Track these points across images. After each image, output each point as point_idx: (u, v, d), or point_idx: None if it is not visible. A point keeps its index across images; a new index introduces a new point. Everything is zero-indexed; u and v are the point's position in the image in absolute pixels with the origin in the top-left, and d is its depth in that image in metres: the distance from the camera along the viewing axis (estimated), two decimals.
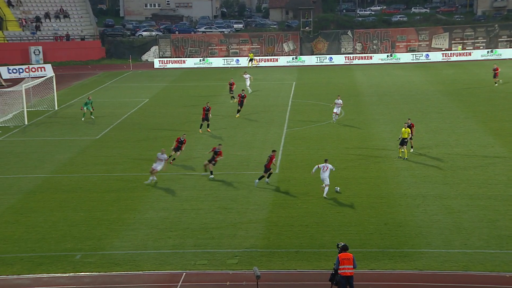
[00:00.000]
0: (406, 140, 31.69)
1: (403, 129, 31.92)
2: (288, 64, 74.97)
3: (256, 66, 72.82)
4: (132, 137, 38.52)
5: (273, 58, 75.95)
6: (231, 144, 35.74)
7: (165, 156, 28.96)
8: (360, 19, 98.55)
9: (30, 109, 46.15)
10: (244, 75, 54.22)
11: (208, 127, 38.97)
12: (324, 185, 26.32)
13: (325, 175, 26.27)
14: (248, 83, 53.44)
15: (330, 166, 26.52)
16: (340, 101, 40.19)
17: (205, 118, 38.46)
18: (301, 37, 77.99)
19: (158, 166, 28.64)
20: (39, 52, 75.15)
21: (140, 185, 28.66)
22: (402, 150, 31.87)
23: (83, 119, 43.53)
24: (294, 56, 76.12)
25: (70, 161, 33.13)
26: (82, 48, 79.00)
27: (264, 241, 22.13)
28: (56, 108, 48.50)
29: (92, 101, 44.59)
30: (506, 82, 54.90)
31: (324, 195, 26.19)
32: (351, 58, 75.38)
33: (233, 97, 48.99)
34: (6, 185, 28.92)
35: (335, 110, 40.08)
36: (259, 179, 28.05)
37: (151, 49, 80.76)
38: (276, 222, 23.79)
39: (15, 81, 54.94)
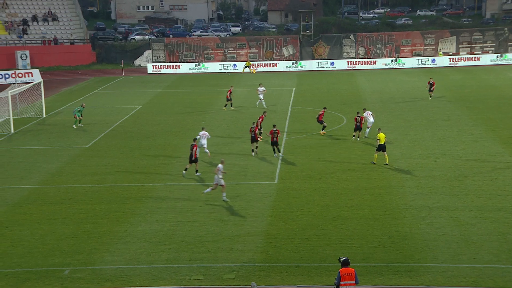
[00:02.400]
0: (383, 145, 32.42)
1: (379, 134, 32.61)
2: (287, 69, 75.17)
3: (256, 73, 72.81)
4: (124, 146, 38.53)
5: (272, 63, 76.17)
6: (227, 153, 35.77)
7: (221, 166, 27.54)
8: (363, 22, 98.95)
9: (16, 117, 46.13)
10: (259, 88, 49.33)
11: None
12: None
13: None
14: (262, 97, 49.04)
15: (221, 166, 27.40)
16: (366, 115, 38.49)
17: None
18: (301, 41, 78.25)
19: (220, 181, 27.34)
20: (26, 56, 75.30)
21: (132, 196, 28.63)
22: (380, 156, 32.75)
23: (74, 126, 43.49)
24: (294, 61, 76.34)
25: (58, 171, 33.12)
26: (71, 52, 79.18)
27: (263, 255, 22.12)
28: (44, 115, 48.53)
29: (83, 109, 44.58)
30: None
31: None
32: (354, 63, 75.60)
33: (231, 104, 49.00)
34: None
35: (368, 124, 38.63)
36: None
37: (144, 53, 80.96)
38: (275, 235, 23.78)
39: (1, 87, 54.97)
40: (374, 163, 32.66)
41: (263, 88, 49.68)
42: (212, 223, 25.09)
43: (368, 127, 38.81)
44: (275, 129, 34.28)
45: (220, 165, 27.67)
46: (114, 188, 29.83)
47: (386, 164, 32.26)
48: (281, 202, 27.43)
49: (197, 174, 31.67)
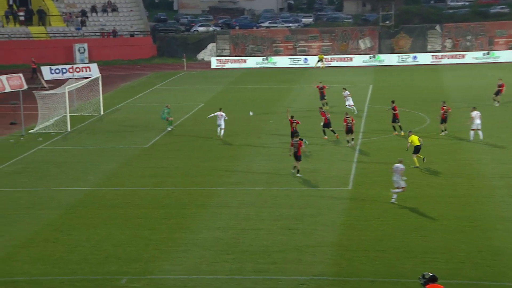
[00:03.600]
0: (419, 147, 32.70)
1: (412, 136, 32.95)
2: (364, 64, 74.45)
3: (326, 67, 72.64)
4: (184, 146, 39.10)
5: (347, 57, 75.62)
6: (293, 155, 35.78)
7: (402, 166, 27.76)
8: (450, 11, 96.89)
9: (73, 114, 47.53)
10: (344, 93, 46.85)
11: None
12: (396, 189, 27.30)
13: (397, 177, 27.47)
14: (349, 102, 46.20)
15: (401, 166, 27.50)
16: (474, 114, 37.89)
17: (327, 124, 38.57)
18: (380, 33, 77.33)
19: (401, 183, 27.58)
20: (84, 50, 77.41)
21: (192, 201, 29.01)
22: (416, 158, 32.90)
23: (169, 128, 42.96)
24: (372, 55, 75.54)
25: (115, 173, 33.93)
26: (131, 45, 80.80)
27: (334, 267, 22.00)
28: (102, 113, 49.80)
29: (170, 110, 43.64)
30: None
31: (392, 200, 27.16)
32: (439, 57, 74.16)
33: (326, 103, 47.33)
34: (45, 199, 29.87)
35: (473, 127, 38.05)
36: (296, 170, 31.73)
37: (207, 46, 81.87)
38: (348, 246, 23.62)
39: (58, 83, 56.76)
40: (418, 167, 32.66)
41: (348, 92, 46.78)
42: (279, 231, 25.11)
43: (473, 129, 37.67)
44: (293, 119, 36.88)
45: (399, 165, 27.66)
46: (174, 192, 30.31)
47: (416, 167, 32.53)
48: (355, 210, 27.21)
49: (297, 174, 31.96)
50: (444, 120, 39.35)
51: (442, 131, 39.59)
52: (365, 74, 67.08)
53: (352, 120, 37.48)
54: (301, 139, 32.29)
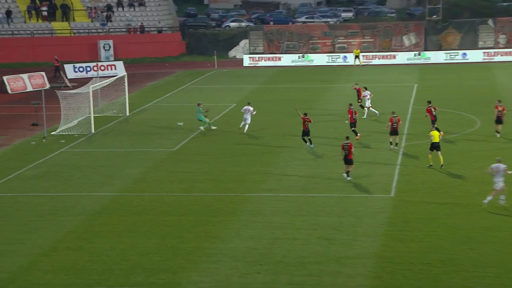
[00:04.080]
0: (438, 144, 33.29)
1: (433, 131, 33.75)
2: (408, 62, 73.99)
3: (365, 65, 72.35)
4: (214, 150, 39.27)
5: (390, 55, 75.24)
6: (334, 160, 35.68)
7: (503, 166, 27.83)
8: (504, 4, 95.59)
9: (97, 115, 48.05)
10: (364, 92, 46.37)
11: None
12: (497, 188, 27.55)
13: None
14: (368, 103, 46.14)
15: (502, 166, 27.71)
16: None
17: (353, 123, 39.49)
18: (426, 28, 76.76)
19: (500, 183, 27.71)
20: (110, 47, 78.25)
21: (223, 208, 29.10)
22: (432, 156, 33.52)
23: (214, 127, 43.75)
24: (417, 52, 75.02)
25: (142, 177, 34.22)
26: (158, 42, 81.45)
27: (375, 281, 21.88)
28: (128, 113, 50.27)
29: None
30: None
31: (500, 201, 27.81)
32: (492, 54, 73.34)
33: (361, 106, 46.63)
34: (68, 205, 30.23)
35: None
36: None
37: (240, 43, 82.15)
38: (390, 258, 23.47)
39: (82, 82, 57.46)
40: (431, 166, 33.42)
41: (368, 92, 46.23)
42: (316, 241, 25.07)
43: None
44: (306, 117, 37.34)
45: (500, 165, 27.70)
46: (203, 198, 30.46)
47: (441, 166, 33.07)
48: (398, 220, 27.03)
49: (348, 178, 32.11)
50: (499, 120, 38.81)
51: (497, 132, 39.06)
52: (410, 73, 66.62)
53: (399, 121, 37.12)
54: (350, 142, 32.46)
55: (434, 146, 33.47)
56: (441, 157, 33.35)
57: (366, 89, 46.85)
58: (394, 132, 36.87)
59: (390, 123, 36.87)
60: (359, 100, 47.30)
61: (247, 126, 41.98)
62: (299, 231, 26.13)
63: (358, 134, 39.17)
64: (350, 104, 40.69)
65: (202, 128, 43.59)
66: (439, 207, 28.12)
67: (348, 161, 32.10)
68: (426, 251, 23.94)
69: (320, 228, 26.33)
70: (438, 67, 70.60)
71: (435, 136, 33.46)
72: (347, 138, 32.70)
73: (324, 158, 36.56)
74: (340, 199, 29.58)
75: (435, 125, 37.29)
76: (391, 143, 37.35)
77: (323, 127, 43.78)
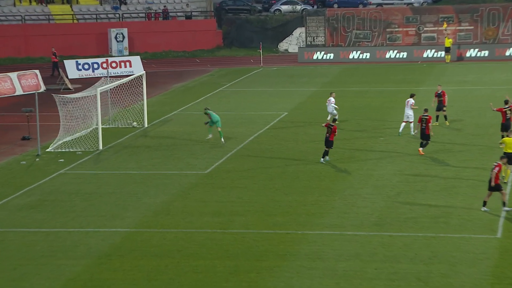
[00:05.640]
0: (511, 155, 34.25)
1: (506, 138, 34.92)
2: None
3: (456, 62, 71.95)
4: (260, 173, 39.21)
5: (496, 47, 74.65)
6: (420, 188, 35.31)
7: None
8: None
9: (107, 126, 48.32)
10: (409, 100, 45.53)
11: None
12: None
13: None
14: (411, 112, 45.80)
15: None
16: None
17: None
18: None
19: None
20: (123, 37, 79.03)
21: (271, 250, 28.92)
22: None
23: (210, 136, 44.91)
24: None
25: (164, 209, 34.24)
26: (187, 31, 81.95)
27: None
28: (146, 124, 50.52)
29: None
30: None
31: None
32: None
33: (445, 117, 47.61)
34: (68, 244, 30.31)
35: None
36: None
37: (293, 32, 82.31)
38: None
39: (87, 83, 57.97)
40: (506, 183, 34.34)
41: (412, 101, 45.35)
42: None
43: None
44: (331, 123, 40.12)
45: None
46: (245, 236, 30.34)
47: (505, 183, 34.01)
48: (507, 269, 26.58)
49: (506, 209, 31.92)
50: None
51: None
52: None
53: None
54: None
55: (509, 157, 33.71)
56: (508, 171, 33.46)
57: (413, 96, 45.92)
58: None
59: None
60: (444, 108, 46.93)
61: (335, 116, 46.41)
62: (372, 282, 25.86)
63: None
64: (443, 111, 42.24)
65: (210, 135, 44.69)
66: None
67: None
68: None
69: (401, 278, 26.02)
70: None
71: (509, 143, 33.51)
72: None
73: (405, 183, 36.19)
74: (428, 239, 29.19)
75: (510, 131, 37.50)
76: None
77: (403, 144, 43.41)
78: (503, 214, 32.02)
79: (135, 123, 49.12)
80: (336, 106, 47.71)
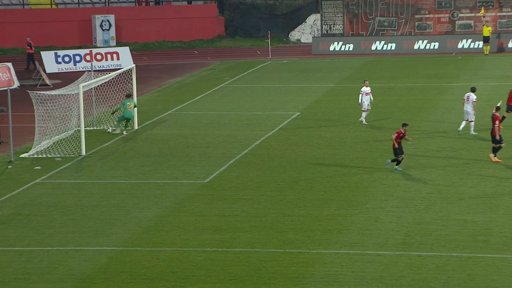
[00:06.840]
0: None
1: None
2: None
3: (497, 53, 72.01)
4: (267, 182, 39.24)
5: None
6: (454, 200, 35.36)
7: None
8: None
9: (91, 128, 48.34)
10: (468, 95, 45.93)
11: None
12: None
13: None
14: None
15: None
16: None
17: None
18: None
19: None
20: (110, 25, 79.12)
21: (281, 272, 28.92)
22: None
23: (125, 132, 45.67)
24: None
25: (157, 224, 34.27)
26: (184, 18, 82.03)
27: None
28: (136, 126, 50.59)
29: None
30: None
31: None
32: None
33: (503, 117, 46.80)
34: (45, 265, 30.29)
35: None
36: None
37: (307, 20, 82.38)
38: None
39: (68, 78, 58.03)
40: None
41: (474, 97, 45.36)
42: None
43: None
44: (403, 129, 39.81)
45: None
46: (250, 256, 30.33)
47: None
48: None
49: None
50: None
51: None
52: None
53: None
54: None
55: None
56: None
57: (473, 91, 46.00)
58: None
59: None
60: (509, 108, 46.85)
61: (364, 114, 48.92)
62: None
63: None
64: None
65: (124, 132, 46.45)
66: None
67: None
68: None
69: None
70: None
71: None
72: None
73: (436, 195, 36.16)
74: (464, 261, 29.14)
75: None
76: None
77: (436, 149, 43.37)
78: None
79: (110, 129, 49.35)
80: (372, 98, 47.95)
